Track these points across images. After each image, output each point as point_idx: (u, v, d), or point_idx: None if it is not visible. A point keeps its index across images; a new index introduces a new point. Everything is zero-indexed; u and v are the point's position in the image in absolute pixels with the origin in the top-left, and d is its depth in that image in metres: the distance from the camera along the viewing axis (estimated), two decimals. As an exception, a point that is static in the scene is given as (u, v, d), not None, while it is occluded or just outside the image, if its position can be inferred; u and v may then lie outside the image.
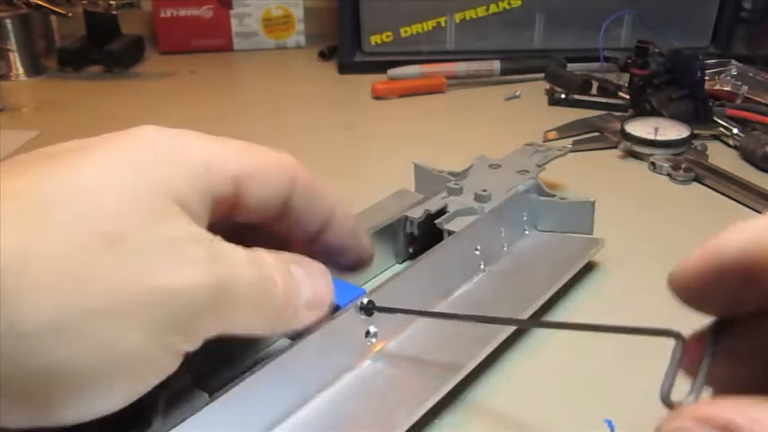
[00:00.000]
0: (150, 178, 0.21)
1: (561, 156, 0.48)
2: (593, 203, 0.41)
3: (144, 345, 0.20)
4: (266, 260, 0.24)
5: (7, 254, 0.18)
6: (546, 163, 0.47)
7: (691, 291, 0.17)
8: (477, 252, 0.38)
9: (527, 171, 0.44)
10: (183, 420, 0.23)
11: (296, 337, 0.28)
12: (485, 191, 0.41)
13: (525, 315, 0.34)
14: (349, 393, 0.29)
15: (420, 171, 0.47)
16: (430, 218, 0.39)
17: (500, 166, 0.45)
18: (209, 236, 0.22)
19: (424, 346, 0.32)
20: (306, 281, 0.26)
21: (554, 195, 0.43)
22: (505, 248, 0.40)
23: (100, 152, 0.21)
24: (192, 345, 0.21)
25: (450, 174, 0.45)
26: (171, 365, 0.21)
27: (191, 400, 0.24)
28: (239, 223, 0.26)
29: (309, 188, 0.27)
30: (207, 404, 0.24)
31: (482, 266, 0.38)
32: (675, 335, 0.18)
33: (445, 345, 0.32)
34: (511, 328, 0.34)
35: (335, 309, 0.29)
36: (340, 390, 0.29)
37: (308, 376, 0.28)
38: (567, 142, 0.60)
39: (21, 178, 0.19)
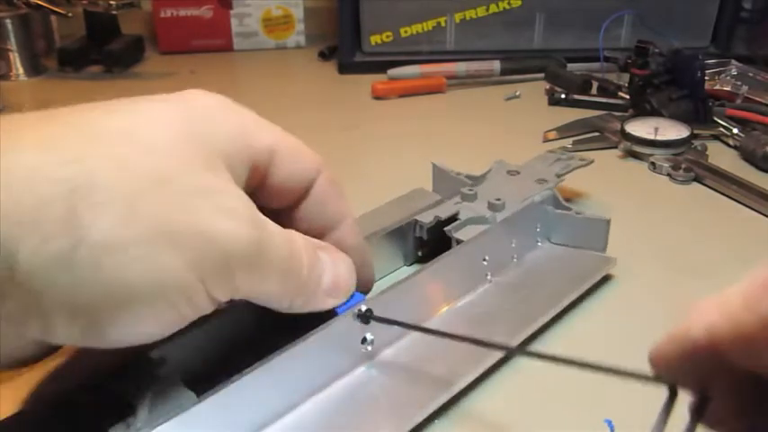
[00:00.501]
0: (200, 131, 0.23)
1: (584, 166, 0.47)
2: (608, 221, 0.40)
3: (185, 278, 0.21)
4: (296, 238, 0.26)
5: (79, 175, 0.20)
6: (566, 173, 0.46)
7: (668, 372, 0.17)
8: (485, 262, 0.37)
9: (545, 180, 0.44)
10: (170, 418, 0.24)
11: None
12: (498, 199, 0.40)
13: (523, 335, 0.34)
14: (339, 400, 0.29)
15: (438, 171, 0.47)
16: (440, 224, 0.39)
17: (519, 172, 0.45)
18: (251, 201, 0.24)
19: (419, 356, 0.32)
20: (329, 266, 0.28)
21: (570, 209, 0.42)
22: (515, 260, 0.40)
23: (156, 104, 0.23)
24: (224, 294, 0.23)
25: (468, 177, 0.44)
26: (205, 307, 0.23)
27: (178, 399, 0.25)
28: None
29: (330, 186, 0.29)
30: (195, 404, 0.24)
31: (489, 277, 0.38)
32: (670, 386, 0.18)
33: (441, 356, 0.31)
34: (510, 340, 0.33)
35: (333, 314, 0.29)
36: (330, 395, 0.29)
37: (300, 380, 0.28)
38: (568, 142, 0.61)
39: (88, 115, 0.22)
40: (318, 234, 0.29)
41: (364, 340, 0.30)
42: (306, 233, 0.28)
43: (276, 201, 0.27)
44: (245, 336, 0.30)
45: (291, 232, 0.26)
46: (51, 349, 0.23)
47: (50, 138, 0.20)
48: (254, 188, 0.26)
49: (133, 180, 0.20)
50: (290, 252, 0.25)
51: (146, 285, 0.21)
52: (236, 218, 0.23)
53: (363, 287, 0.31)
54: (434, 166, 0.47)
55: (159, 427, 0.23)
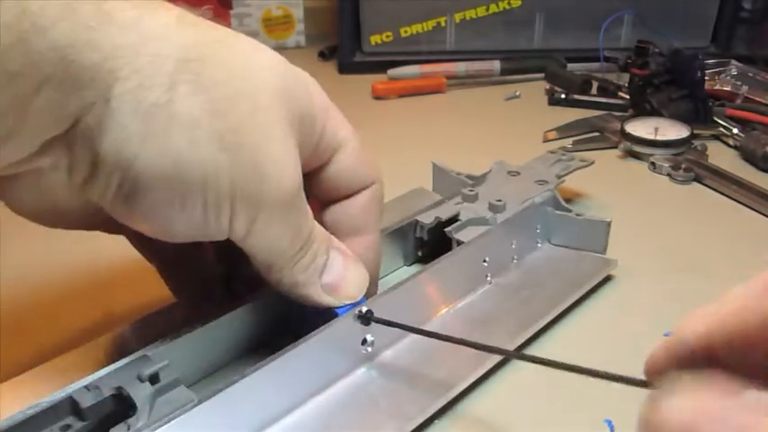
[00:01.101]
0: (296, 93, 0.26)
1: (584, 167, 0.47)
2: (608, 223, 0.40)
3: (224, 187, 0.23)
4: (318, 224, 0.27)
5: (197, 54, 0.22)
6: (566, 174, 0.45)
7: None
8: (486, 264, 0.37)
9: (546, 182, 0.43)
10: (170, 419, 0.24)
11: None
12: (499, 200, 0.40)
13: (523, 336, 0.34)
14: (339, 401, 0.29)
15: (438, 171, 0.46)
16: (441, 224, 0.39)
17: (519, 173, 0.45)
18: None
19: (419, 358, 0.32)
20: (338, 267, 0.28)
21: (570, 210, 0.42)
22: (515, 261, 0.40)
23: (274, 53, 0.26)
24: (240, 225, 0.24)
25: (468, 177, 0.44)
26: (220, 230, 0.24)
27: (179, 400, 0.25)
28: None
29: (375, 203, 0.30)
30: (195, 405, 0.24)
31: (489, 278, 0.38)
32: None
33: (441, 357, 0.31)
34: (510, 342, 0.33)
35: (333, 315, 0.29)
36: (331, 397, 0.29)
37: (300, 381, 0.28)
38: (568, 142, 0.61)
39: (221, 25, 0.26)
40: (339, 235, 0.29)
41: (364, 341, 0.30)
42: (328, 229, 0.29)
43: (322, 192, 0.29)
44: (246, 338, 0.30)
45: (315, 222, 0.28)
46: (87, 219, 0.24)
47: (191, 17, 0.24)
48: (310, 171, 0.27)
49: (232, 85, 0.23)
50: (310, 231, 0.26)
51: (193, 170, 0.22)
52: (288, 170, 0.24)
53: (366, 292, 0.31)
54: (434, 165, 0.47)
55: (159, 429, 0.23)
